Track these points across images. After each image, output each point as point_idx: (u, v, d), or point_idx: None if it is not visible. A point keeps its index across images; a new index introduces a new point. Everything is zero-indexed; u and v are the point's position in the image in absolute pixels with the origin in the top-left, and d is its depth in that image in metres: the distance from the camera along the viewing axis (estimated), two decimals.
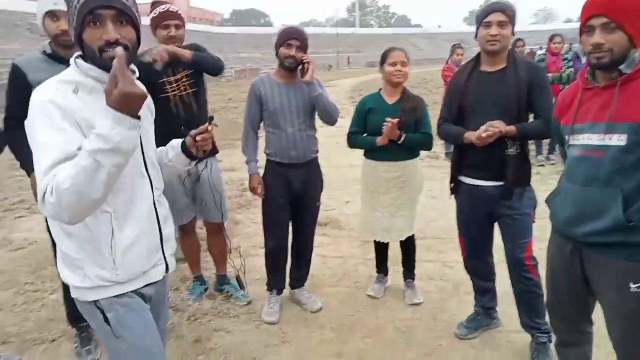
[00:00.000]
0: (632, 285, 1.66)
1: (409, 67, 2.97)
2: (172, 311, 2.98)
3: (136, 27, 1.40)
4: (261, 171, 3.00)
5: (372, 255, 3.42)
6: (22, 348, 2.70)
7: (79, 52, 1.42)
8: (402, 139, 2.88)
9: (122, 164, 1.25)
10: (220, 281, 3.30)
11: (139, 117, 1.25)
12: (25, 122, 1.34)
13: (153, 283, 1.56)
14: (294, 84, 2.86)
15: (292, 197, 2.95)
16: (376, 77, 3.49)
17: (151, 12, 2.75)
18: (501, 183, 2.41)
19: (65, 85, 1.38)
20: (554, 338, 2.13)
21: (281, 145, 2.86)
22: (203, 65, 2.81)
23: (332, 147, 7.58)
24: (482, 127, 2.31)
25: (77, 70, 1.42)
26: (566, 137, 1.83)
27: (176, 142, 1.70)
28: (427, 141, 2.98)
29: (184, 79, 2.81)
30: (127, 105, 1.21)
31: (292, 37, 2.78)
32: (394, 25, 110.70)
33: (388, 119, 2.81)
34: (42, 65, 2.34)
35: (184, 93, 2.81)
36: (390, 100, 2.99)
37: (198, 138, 1.62)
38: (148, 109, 1.60)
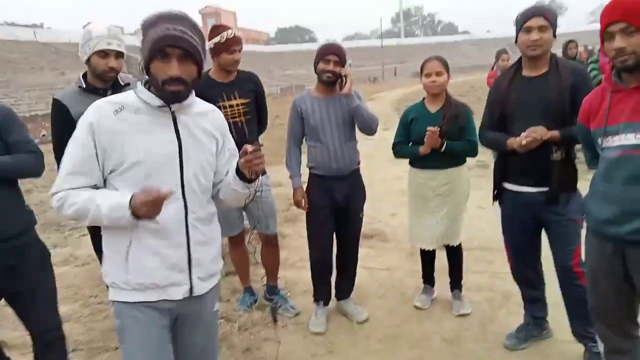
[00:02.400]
0: None
1: (448, 75, 2.98)
2: (224, 321, 3.11)
3: (199, 65, 1.57)
4: (305, 185, 3.10)
5: (419, 267, 3.42)
6: (89, 355, 2.91)
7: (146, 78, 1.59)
8: (444, 146, 2.89)
9: (105, 224, 1.55)
10: (270, 291, 3.39)
11: (139, 217, 1.48)
12: None
13: (174, 301, 1.63)
14: (333, 97, 2.95)
15: (335, 209, 3.02)
16: (421, 88, 3.52)
17: (214, 36, 2.89)
18: (546, 189, 2.38)
19: (109, 105, 1.56)
20: (601, 346, 2.06)
21: (323, 158, 2.95)
22: None
23: (377, 159, 7.61)
24: (523, 134, 2.29)
25: (133, 93, 1.60)
26: (599, 140, 1.84)
27: (234, 168, 1.72)
28: (471, 148, 2.97)
29: (239, 106, 2.97)
30: (137, 210, 1.46)
31: (330, 53, 2.88)
32: (440, 33, 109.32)
33: (429, 128, 2.84)
34: (80, 98, 2.51)
35: (237, 119, 2.96)
36: (433, 108, 3.02)
37: (241, 161, 1.63)
38: (207, 137, 1.69)
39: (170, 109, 1.58)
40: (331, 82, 2.91)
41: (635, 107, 1.72)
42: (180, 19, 1.50)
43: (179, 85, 1.50)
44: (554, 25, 2.34)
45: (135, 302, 1.59)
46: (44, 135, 16.72)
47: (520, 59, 2.49)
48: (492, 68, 7.02)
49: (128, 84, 2.67)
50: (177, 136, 1.60)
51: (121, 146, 1.53)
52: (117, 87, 2.60)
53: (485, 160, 7.52)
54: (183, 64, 1.50)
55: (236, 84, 3.00)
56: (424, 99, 3.11)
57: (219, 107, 2.87)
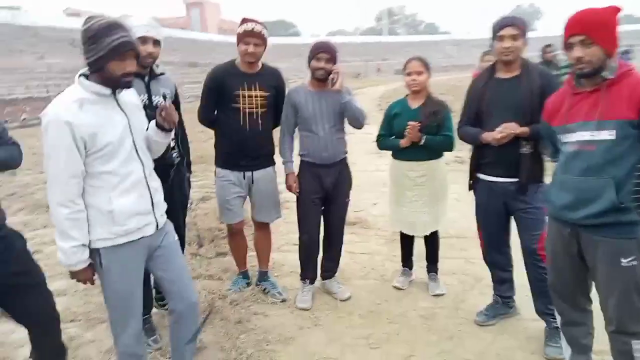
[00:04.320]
0: (623, 260, 1.94)
1: (429, 74, 3.21)
2: (217, 297, 3.31)
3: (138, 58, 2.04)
4: (296, 171, 3.31)
5: (398, 252, 3.67)
6: (88, 325, 3.07)
7: (82, 72, 1.96)
8: (423, 141, 3.14)
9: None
10: (261, 277, 3.56)
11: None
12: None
13: (148, 236, 2.10)
14: (325, 92, 3.16)
15: (323, 194, 3.25)
16: (403, 85, 3.71)
17: (240, 25, 3.07)
18: (516, 179, 2.64)
19: (71, 103, 1.89)
20: (559, 320, 2.34)
21: (314, 147, 3.16)
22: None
23: (360, 153, 7.85)
24: (498, 129, 2.56)
25: (80, 88, 1.93)
26: (560, 136, 2.11)
27: (153, 123, 2.18)
28: (448, 143, 3.21)
29: (258, 98, 3.12)
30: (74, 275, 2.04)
31: (321, 51, 3.07)
32: (422, 32, 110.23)
33: (410, 123, 3.07)
34: None
35: (254, 110, 3.12)
36: (414, 105, 3.26)
37: (159, 116, 2.11)
38: (138, 109, 2.17)
39: (115, 94, 2.01)
40: (323, 79, 3.11)
41: (591, 108, 1.99)
42: (122, 27, 1.91)
43: (131, 77, 1.99)
44: (524, 33, 2.60)
45: (122, 244, 2.02)
46: (24, 119, 16.48)
47: (495, 62, 2.75)
48: (477, 68, 7.31)
49: (163, 74, 2.82)
50: (124, 113, 2.04)
51: (94, 134, 1.91)
52: (153, 76, 2.77)
53: (463, 157, 7.84)
54: (133, 61, 1.98)
55: (259, 76, 3.14)
56: (406, 95, 3.34)
57: (237, 96, 3.08)
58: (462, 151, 7.90)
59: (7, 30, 31.48)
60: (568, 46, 1.99)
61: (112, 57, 1.88)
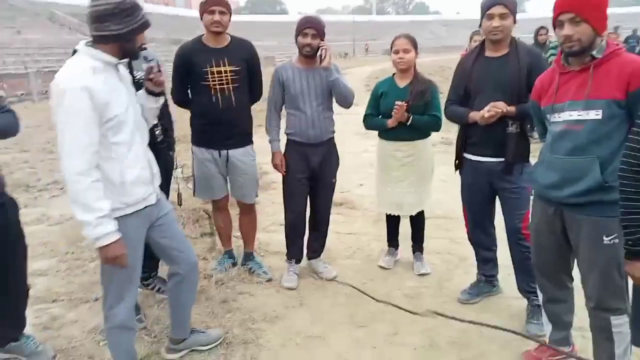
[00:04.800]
0: (605, 238, 1.97)
1: (416, 53, 3.16)
2: (202, 277, 3.28)
3: None
4: (282, 150, 3.26)
5: (384, 232, 3.68)
6: (70, 305, 3.04)
7: (86, 42, 2.00)
8: (410, 120, 3.11)
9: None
10: (246, 257, 3.53)
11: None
12: None
13: (151, 205, 2.17)
14: (313, 69, 3.10)
15: (310, 174, 3.21)
16: (392, 65, 3.67)
17: None
18: (502, 159, 2.64)
19: (88, 69, 1.90)
20: (541, 297, 2.38)
21: (301, 125, 3.11)
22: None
23: (348, 134, 7.81)
24: (486, 108, 2.54)
25: (88, 57, 1.95)
26: (548, 116, 2.10)
27: (142, 91, 2.27)
28: (435, 123, 3.18)
29: (227, 73, 3.01)
30: (106, 253, 1.95)
31: (307, 27, 3.00)
32: (412, 12, 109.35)
33: (397, 102, 3.04)
34: None
35: (225, 86, 3.02)
36: (402, 84, 3.22)
37: (148, 81, 2.23)
38: (130, 83, 2.18)
39: (117, 66, 2.06)
40: (310, 55, 3.05)
41: (579, 88, 1.98)
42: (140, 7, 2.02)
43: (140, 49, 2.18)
44: (513, 12, 2.57)
45: (130, 214, 2.06)
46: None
47: (484, 41, 2.72)
48: (466, 49, 7.28)
49: (145, 48, 2.70)
50: (123, 85, 2.06)
51: (107, 102, 1.91)
52: None
53: (450, 138, 7.86)
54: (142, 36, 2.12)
55: (227, 50, 3.03)
56: (394, 74, 3.30)
57: (206, 72, 3.00)
58: (450, 132, 7.91)
59: None
60: (558, 24, 1.96)
61: (141, 30, 2.02)
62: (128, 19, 1.94)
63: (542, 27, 7.09)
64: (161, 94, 2.28)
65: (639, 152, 1.56)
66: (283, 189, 3.30)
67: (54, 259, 3.73)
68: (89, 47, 1.96)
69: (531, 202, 2.68)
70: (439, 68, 22.18)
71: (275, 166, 3.25)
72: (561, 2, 1.94)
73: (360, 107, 3.51)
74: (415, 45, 3.17)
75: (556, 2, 1.96)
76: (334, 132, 3.28)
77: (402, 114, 3.07)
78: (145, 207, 2.13)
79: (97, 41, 1.96)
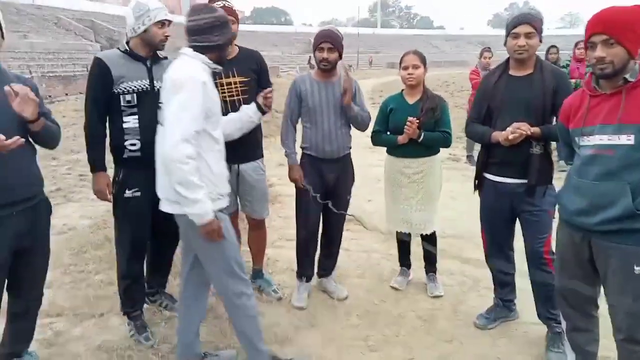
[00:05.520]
0: (636, 268, 1.89)
1: (425, 69, 3.12)
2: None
3: None
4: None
5: (394, 250, 3.60)
6: (75, 321, 2.95)
7: (191, 47, 2.22)
8: (421, 137, 3.05)
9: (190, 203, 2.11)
10: (255, 275, 3.44)
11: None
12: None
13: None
14: (333, 82, 3.05)
15: (324, 190, 3.13)
16: (397, 79, 3.61)
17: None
18: (525, 181, 2.57)
19: (204, 69, 2.20)
20: (564, 325, 2.30)
21: (317, 140, 3.04)
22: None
23: (354, 147, 7.75)
24: (509, 129, 2.47)
25: (199, 61, 2.21)
26: (577, 139, 2.04)
27: (252, 106, 2.76)
28: (446, 139, 3.13)
29: (237, 84, 2.95)
30: (208, 226, 2.13)
31: (323, 41, 2.96)
32: (416, 26, 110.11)
33: (410, 119, 2.98)
34: (122, 61, 2.57)
35: (235, 98, 2.95)
36: (411, 100, 3.16)
37: (261, 98, 2.71)
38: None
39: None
40: (328, 69, 3.00)
41: (610, 111, 1.92)
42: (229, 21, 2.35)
43: None
44: (540, 32, 2.51)
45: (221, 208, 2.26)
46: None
47: (508, 59, 2.66)
48: (476, 66, 7.24)
49: (166, 58, 2.71)
50: None
51: (214, 100, 2.22)
52: (156, 60, 2.67)
53: (457, 154, 7.82)
54: None
55: (236, 61, 2.97)
56: (402, 90, 3.25)
57: (216, 85, 2.93)
58: (457, 148, 7.91)
59: None
60: (590, 45, 1.91)
61: (231, 41, 2.39)
62: (225, 31, 2.24)
63: (552, 46, 7.05)
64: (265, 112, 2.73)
65: None
66: (296, 204, 3.21)
67: (58, 271, 3.64)
68: (197, 53, 2.20)
69: (554, 226, 2.62)
70: (443, 83, 22.29)
71: (293, 180, 3.15)
72: (594, 23, 1.89)
73: None
74: (424, 61, 3.13)
75: (589, 23, 1.92)
76: (350, 147, 3.21)
77: (414, 130, 3.01)
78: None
79: (199, 51, 2.20)
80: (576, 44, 6.83)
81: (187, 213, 2.09)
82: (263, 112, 2.68)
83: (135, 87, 2.56)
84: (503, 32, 2.63)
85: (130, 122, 2.56)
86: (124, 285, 2.77)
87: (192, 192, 2.04)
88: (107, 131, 2.65)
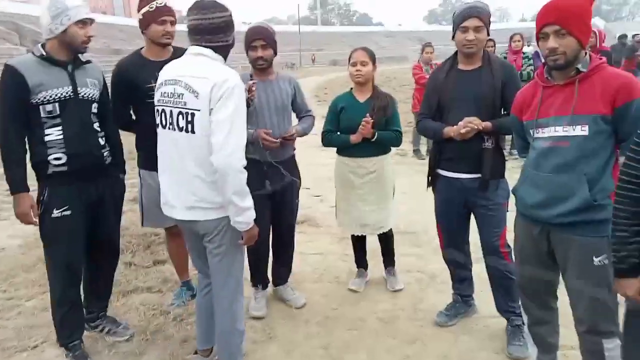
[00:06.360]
0: (595, 259, 1.89)
1: (374, 66, 3.05)
2: (157, 313, 2.97)
3: None
4: None
5: (350, 251, 3.51)
6: (4, 356, 2.63)
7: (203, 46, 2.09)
8: (375, 137, 2.98)
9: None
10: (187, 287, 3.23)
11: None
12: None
13: None
14: (271, 81, 2.91)
15: (271, 195, 2.95)
16: (340, 76, 3.57)
17: (143, 6, 2.67)
18: (478, 175, 2.54)
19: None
20: (525, 318, 2.29)
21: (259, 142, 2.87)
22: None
23: (301, 146, 7.63)
24: (461, 123, 2.43)
25: (220, 61, 2.12)
26: (531, 131, 2.02)
27: None
28: (397, 137, 3.09)
29: None
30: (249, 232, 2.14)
31: (255, 38, 2.80)
32: (356, 23, 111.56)
33: (365, 119, 2.90)
34: (39, 67, 2.29)
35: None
36: (362, 98, 3.09)
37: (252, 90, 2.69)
38: None
39: None
40: (265, 67, 2.86)
41: (564, 102, 1.90)
42: None
43: None
44: (488, 25, 2.49)
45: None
46: None
47: (456, 53, 2.62)
48: (418, 60, 7.28)
49: (89, 61, 2.48)
50: None
51: None
52: (77, 64, 2.41)
53: (405, 149, 7.88)
54: None
55: None
56: (352, 89, 3.17)
57: (151, 89, 2.69)
58: (405, 143, 7.95)
59: None
60: (541, 36, 1.88)
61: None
62: (233, 31, 2.13)
63: (515, 34, 7.14)
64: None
65: (637, 163, 1.49)
66: None
67: None
68: (217, 54, 2.09)
69: (508, 218, 2.62)
70: (386, 79, 22.59)
71: None
72: (545, 13, 1.86)
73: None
74: (373, 58, 3.05)
75: (540, 14, 1.89)
76: (294, 149, 3.08)
77: (369, 129, 2.93)
78: None
79: (216, 51, 2.09)
80: (511, 37, 7.02)
81: (236, 221, 2.06)
82: (248, 106, 2.44)
83: (56, 95, 2.30)
84: (438, 27, 2.61)
85: (53, 134, 2.31)
86: (60, 314, 2.50)
87: (246, 200, 2.04)
88: (27, 146, 2.37)
